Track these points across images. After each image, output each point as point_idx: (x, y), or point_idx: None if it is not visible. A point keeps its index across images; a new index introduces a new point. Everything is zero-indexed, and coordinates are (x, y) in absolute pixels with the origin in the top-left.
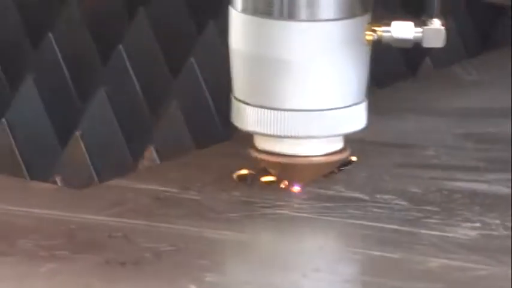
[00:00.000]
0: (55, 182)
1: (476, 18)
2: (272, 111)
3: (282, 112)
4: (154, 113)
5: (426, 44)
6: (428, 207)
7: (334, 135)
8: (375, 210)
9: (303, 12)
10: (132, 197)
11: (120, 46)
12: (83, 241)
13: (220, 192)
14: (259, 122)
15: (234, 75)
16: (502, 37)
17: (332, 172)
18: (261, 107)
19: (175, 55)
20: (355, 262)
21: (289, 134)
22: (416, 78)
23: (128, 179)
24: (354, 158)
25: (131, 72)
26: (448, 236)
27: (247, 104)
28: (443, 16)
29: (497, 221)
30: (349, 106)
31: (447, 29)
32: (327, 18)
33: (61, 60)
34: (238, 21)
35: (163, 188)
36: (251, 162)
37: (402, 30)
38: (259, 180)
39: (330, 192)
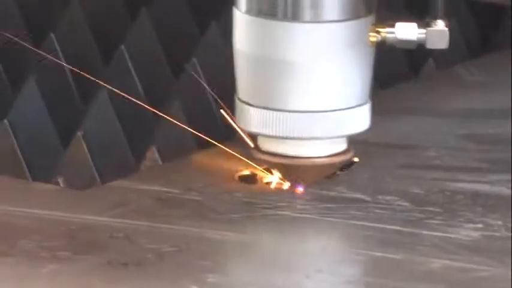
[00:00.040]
0: (57, 183)
1: (478, 19)
2: (276, 112)
3: (286, 113)
4: (156, 114)
5: (430, 46)
6: (430, 208)
7: (338, 137)
8: (377, 211)
9: (307, 14)
10: (134, 198)
11: (122, 47)
12: (85, 242)
13: (222, 193)
14: (262, 123)
15: (238, 76)
16: (505, 38)
17: (334, 173)
18: (265, 108)
19: (177, 56)
20: (357, 263)
21: (292, 135)
22: (419, 79)
23: (130, 180)
24: (356, 159)
25: (133, 72)
26: (450, 237)
27: (250, 105)
28: (446, 17)
29: (500, 222)
30: (353, 107)
31: (450, 30)
32: (331, 19)
33: (63, 60)
34: (242, 22)
35: (165, 189)
36: (253, 163)
37: (406, 31)
38: (261, 181)
39: (332, 193)
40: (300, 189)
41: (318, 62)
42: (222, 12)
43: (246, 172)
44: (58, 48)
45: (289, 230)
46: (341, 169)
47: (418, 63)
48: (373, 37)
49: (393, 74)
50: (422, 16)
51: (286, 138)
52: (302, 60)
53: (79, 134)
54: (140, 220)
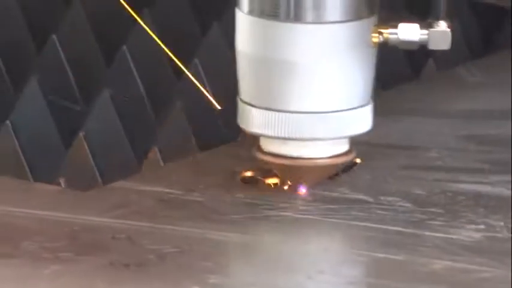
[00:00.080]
0: (59, 184)
1: (480, 20)
2: (278, 113)
3: (288, 114)
4: (158, 115)
5: (432, 46)
6: (432, 209)
7: (340, 138)
8: (379, 212)
9: (309, 14)
10: (136, 199)
11: (124, 47)
12: (87, 243)
13: (224, 194)
14: (264, 124)
15: (240, 77)
16: (506, 39)
17: (336, 174)
18: (267, 109)
19: (179, 56)
20: (359, 264)
21: (294, 136)
22: (420, 80)
23: (132, 181)
24: (358, 160)
25: (135, 73)
26: (452, 238)
27: (253, 106)
28: (448, 18)
29: (501, 223)
30: (355, 108)
31: (452, 31)
32: (333, 20)
33: (65, 61)
34: (244, 23)
35: (167, 190)
36: (255, 164)
37: (408, 32)
38: (263, 182)
39: (334, 194)
40: (302, 191)
41: (320, 63)
42: (223, 13)
43: (248, 173)
44: (60, 49)
45: (291, 231)
46: (343, 170)
47: (419, 64)
48: (376, 38)
49: (394, 74)
50: (423, 17)
51: (288, 139)
52: (304, 61)
53: (81, 134)
54: (142, 221)
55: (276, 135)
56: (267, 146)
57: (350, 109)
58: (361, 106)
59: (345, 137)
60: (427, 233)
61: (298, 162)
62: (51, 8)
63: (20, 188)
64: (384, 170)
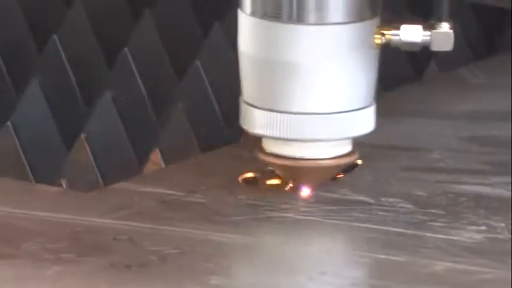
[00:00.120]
0: (60, 185)
1: (482, 21)
2: (280, 114)
3: (291, 115)
4: (160, 116)
5: (435, 48)
6: (433, 211)
7: (342, 139)
8: (380, 213)
9: (311, 16)
10: (138, 200)
11: (126, 49)
12: (88, 244)
13: (226, 195)
14: (267, 124)
15: (243, 78)
16: (508, 40)
17: (338, 175)
18: (270, 110)
19: (181, 57)
20: (360, 265)
21: (297, 137)
22: (422, 82)
23: (133, 182)
24: (359, 162)
25: (136, 74)
26: (453, 239)
27: (255, 106)
28: (450, 19)
29: (502, 225)
30: (358, 109)
31: (454, 32)
32: (335, 21)
33: (66, 62)
34: (247, 24)
35: (168, 191)
36: (257, 165)
37: (411, 33)
38: (264, 183)
39: (336, 196)
40: (305, 192)
41: (322, 64)
42: (225, 14)
43: (250, 174)
44: (61, 50)
45: (293, 232)
46: (344, 171)
47: (421, 66)
48: (378, 39)
49: (396, 76)
50: (424, 18)
51: (291, 140)
52: (307, 62)
53: (82, 136)
54: (144, 222)
55: (279, 136)
56: (270, 147)
57: (353, 110)
58: (364, 107)
59: (347, 138)
60: (428, 234)
61: (300, 163)
62: (52, 8)
63: (21, 189)
64: (386, 171)
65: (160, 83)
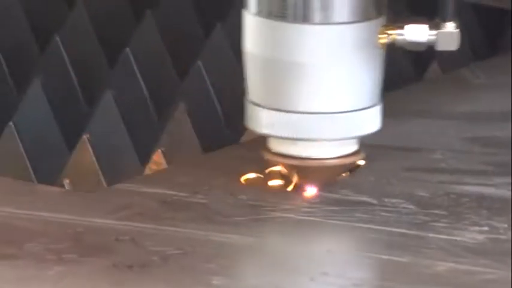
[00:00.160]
0: (62, 186)
1: (484, 22)
2: (286, 113)
3: (296, 115)
4: (162, 116)
5: (440, 47)
6: (436, 211)
7: (348, 138)
8: (383, 214)
9: (317, 15)
10: (139, 201)
11: (127, 49)
12: (91, 244)
13: (228, 196)
14: (272, 124)
15: (248, 78)
16: (509, 41)
17: (340, 176)
18: (275, 109)
19: (183, 58)
20: (363, 266)
21: (303, 137)
22: (424, 82)
23: (135, 183)
24: (361, 162)
25: (138, 75)
26: (455, 240)
27: (260, 106)
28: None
29: (505, 225)
30: (363, 109)
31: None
32: (341, 21)
33: (68, 63)
34: (252, 24)
35: (170, 192)
36: (259, 166)
37: (416, 33)
38: (266, 183)
39: (338, 196)
40: (311, 191)
41: (328, 64)
42: (227, 15)
43: (252, 175)
44: (63, 50)
45: (295, 232)
46: (346, 172)
47: (424, 66)
48: (383, 39)
49: (398, 77)
50: (423, 18)
51: (297, 139)
52: (312, 62)
53: (84, 136)
54: (145, 223)
55: (285, 135)
56: (276, 146)
57: (358, 110)
58: (370, 107)
59: (353, 138)
60: (431, 235)
61: (307, 162)
62: (54, 10)
63: (23, 190)
64: (388, 172)
65: (162, 84)
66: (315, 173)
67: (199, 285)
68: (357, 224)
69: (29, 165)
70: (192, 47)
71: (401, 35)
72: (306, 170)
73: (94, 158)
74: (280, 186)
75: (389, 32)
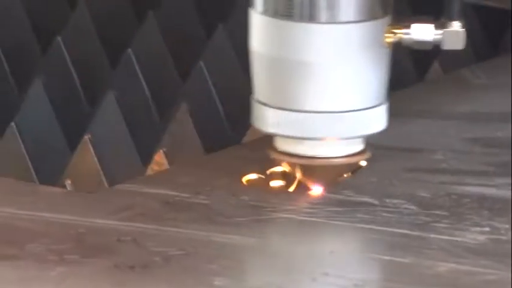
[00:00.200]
0: (64, 186)
1: (485, 22)
2: (292, 112)
3: (302, 114)
4: (163, 117)
5: (446, 46)
6: (437, 212)
7: (354, 137)
8: (384, 214)
9: (323, 14)
10: (141, 201)
11: (129, 50)
12: (92, 245)
13: (230, 197)
14: (279, 123)
15: (255, 77)
16: (511, 41)
17: (341, 177)
18: (282, 108)
19: (185, 59)
20: (364, 266)
21: (309, 136)
22: (426, 82)
23: (137, 183)
24: (363, 163)
25: (140, 76)
26: (457, 241)
27: (267, 105)
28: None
29: (506, 226)
30: (370, 108)
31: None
32: (347, 20)
33: (70, 64)
34: (258, 23)
35: (172, 192)
36: (261, 166)
37: (422, 32)
38: (268, 184)
39: (339, 197)
40: (317, 190)
41: (334, 63)
42: (229, 15)
43: (254, 175)
44: (65, 51)
45: (297, 233)
46: (348, 172)
47: (425, 67)
48: (389, 38)
49: (399, 76)
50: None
51: (303, 138)
52: (318, 61)
53: (86, 137)
54: (147, 223)
55: (291, 134)
56: (282, 145)
57: (365, 109)
58: (376, 106)
59: (359, 137)
60: (432, 236)
61: (313, 161)
62: (56, 10)
63: (25, 190)
64: (389, 173)
65: (164, 84)
66: (321, 172)
67: (201, 286)
68: (358, 225)
69: (30, 165)
70: (194, 48)
71: (408, 34)
72: (312, 169)
73: (96, 159)
74: (282, 187)
75: (396, 31)
